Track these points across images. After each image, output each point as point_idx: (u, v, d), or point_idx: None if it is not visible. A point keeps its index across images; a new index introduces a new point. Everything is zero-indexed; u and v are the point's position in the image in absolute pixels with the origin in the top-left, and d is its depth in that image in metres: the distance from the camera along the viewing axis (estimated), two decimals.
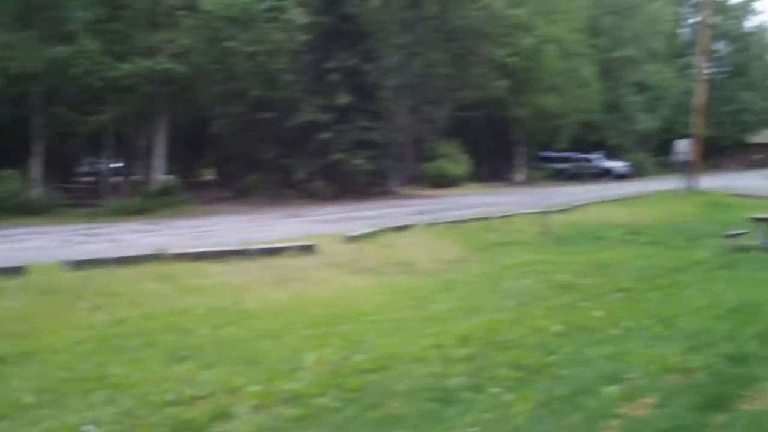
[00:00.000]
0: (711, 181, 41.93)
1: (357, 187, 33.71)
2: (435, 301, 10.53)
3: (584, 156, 55.22)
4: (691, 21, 77.71)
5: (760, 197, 32.24)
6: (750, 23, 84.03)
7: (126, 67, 27.14)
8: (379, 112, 35.11)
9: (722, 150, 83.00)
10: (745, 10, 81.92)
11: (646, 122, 59.84)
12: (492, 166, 50.63)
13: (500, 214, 22.08)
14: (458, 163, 40.67)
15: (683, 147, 36.01)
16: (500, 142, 50.35)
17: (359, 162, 32.53)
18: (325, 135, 32.24)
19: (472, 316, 9.10)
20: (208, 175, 51.27)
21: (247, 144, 34.71)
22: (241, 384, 6.23)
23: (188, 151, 42.94)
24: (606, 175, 54.07)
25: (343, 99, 32.25)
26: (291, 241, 15.70)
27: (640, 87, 60.60)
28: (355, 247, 15.72)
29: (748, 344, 7.10)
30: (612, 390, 5.78)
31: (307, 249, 14.76)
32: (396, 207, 27.82)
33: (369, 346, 7.54)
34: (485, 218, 21.16)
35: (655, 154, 68.41)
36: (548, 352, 7.02)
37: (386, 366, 6.77)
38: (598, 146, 57.47)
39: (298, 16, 30.26)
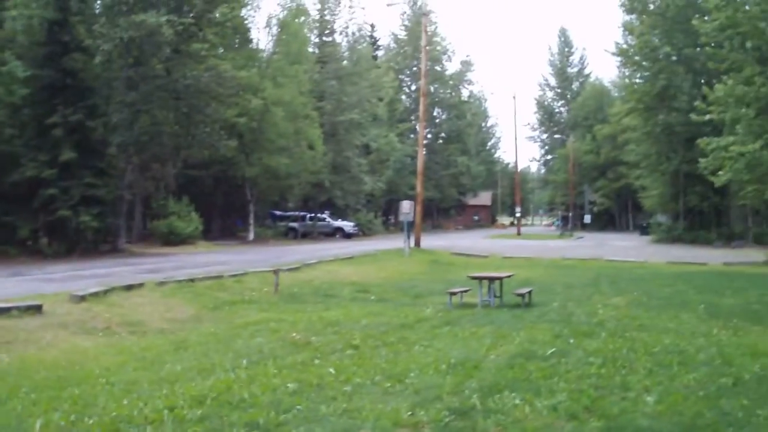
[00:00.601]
0: (435, 241, 48.39)
1: (85, 245, 35.48)
2: (167, 362, 11.09)
3: (314, 215, 61.87)
4: (410, 89, 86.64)
5: (480, 256, 38.89)
6: (465, 92, 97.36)
7: None
8: (105, 169, 37.21)
9: (444, 211, 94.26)
10: (460, 79, 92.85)
11: (371, 183, 67.57)
12: (223, 224, 55.81)
13: (232, 273, 23.52)
14: (189, 221, 44.28)
15: (407, 208, 38.92)
16: (231, 200, 56.10)
17: (86, 219, 33.90)
18: (50, 191, 33.75)
19: (206, 376, 9.78)
20: None
21: None
22: None
23: None
24: (336, 234, 61.37)
25: (68, 155, 33.75)
26: (15, 300, 15.72)
27: (366, 150, 69.36)
28: (84, 307, 15.96)
29: (471, 398, 8.24)
30: None
31: (33, 309, 14.93)
32: (126, 265, 28.52)
33: (100, 410, 8.03)
34: (217, 277, 22.40)
35: (381, 214, 75.62)
36: (283, 411, 7.81)
37: (118, 430, 7.33)
38: (327, 206, 65.07)
39: (17, 69, 31.33)
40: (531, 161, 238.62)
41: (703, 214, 58.51)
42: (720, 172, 38.56)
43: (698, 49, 50.17)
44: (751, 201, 41.84)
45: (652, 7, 58.39)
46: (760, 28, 36.80)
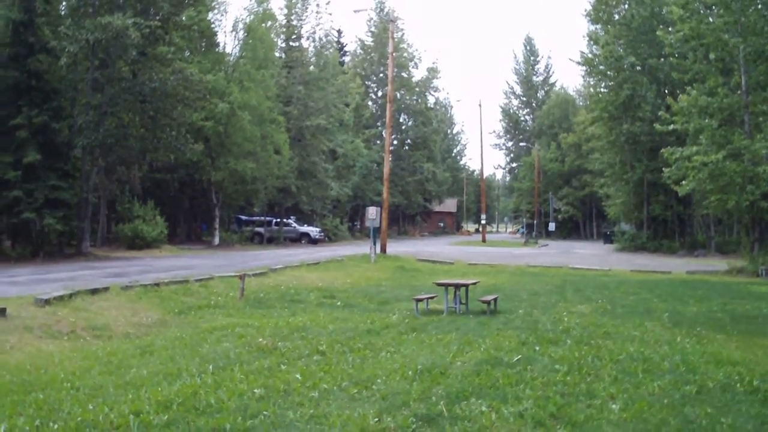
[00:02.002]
0: (400, 247, 48.59)
1: (49, 248, 35.46)
2: (133, 366, 11.11)
3: (280, 220, 61.84)
4: (377, 95, 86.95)
5: (446, 263, 39.10)
6: (431, 99, 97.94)
7: None
8: (70, 171, 37.21)
9: (410, 217, 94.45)
10: (427, 86, 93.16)
11: (338, 189, 68.06)
12: (189, 228, 55.52)
13: (198, 277, 23.47)
14: (154, 224, 43.97)
15: (373, 213, 38.83)
16: (197, 204, 55.89)
17: (51, 222, 33.72)
18: (14, 193, 33.49)
19: (172, 381, 9.73)
20: None
21: None
22: None
23: None
24: (301, 239, 61.31)
25: (32, 156, 33.57)
26: None
27: (332, 155, 69.47)
28: (49, 311, 15.88)
29: (438, 404, 8.29)
30: None
31: None
32: (91, 269, 28.37)
33: (65, 415, 8.00)
34: (183, 281, 22.39)
35: (347, 219, 75.75)
36: (249, 416, 7.81)
37: None
38: (293, 211, 65.20)
39: None
40: (496, 168, 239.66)
41: (666, 223, 59.06)
42: (683, 182, 38.98)
43: (662, 59, 50.86)
44: (714, 210, 42.30)
45: (617, 17, 59.01)
46: (723, 40, 37.28)
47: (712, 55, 39.54)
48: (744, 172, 36.04)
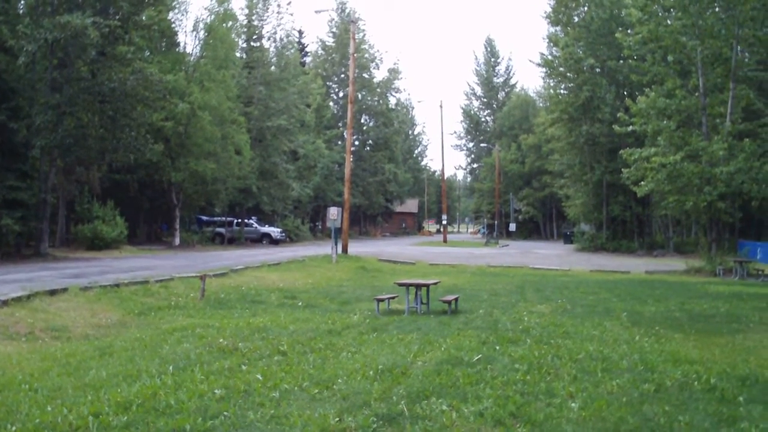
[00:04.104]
0: (362, 248, 48.65)
1: (7, 249, 35.05)
2: (92, 368, 10.96)
3: (241, 221, 61.71)
4: (338, 95, 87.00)
5: (407, 263, 39.34)
6: (392, 100, 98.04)
7: None
8: (28, 172, 36.98)
9: (371, 217, 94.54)
10: (388, 87, 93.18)
11: (299, 189, 67.99)
12: (149, 229, 55.12)
13: (158, 278, 23.30)
14: (114, 225, 43.49)
15: (334, 214, 38.80)
16: (157, 205, 55.48)
17: (8, 222, 33.45)
18: None
19: (132, 382, 9.66)
20: None
21: None
22: None
23: None
24: (262, 239, 61.25)
25: None
26: None
27: (293, 156, 69.30)
28: (6, 312, 15.71)
29: (399, 404, 8.34)
30: None
31: None
32: (49, 270, 27.90)
33: (24, 417, 7.94)
34: (143, 282, 22.22)
35: (309, 220, 75.71)
36: (209, 417, 7.79)
37: None
38: (254, 211, 65.06)
39: None
40: (457, 169, 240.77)
41: (625, 224, 59.60)
42: (642, 183, 39.39)
43: (621, 61, 51.34)
44: (672, 211, 42.78)
45: (576, 19, 59.45)
46: (681, 42, 37.73)
47: (670, 58, 40.00)
48: (702, 174, 36.50)
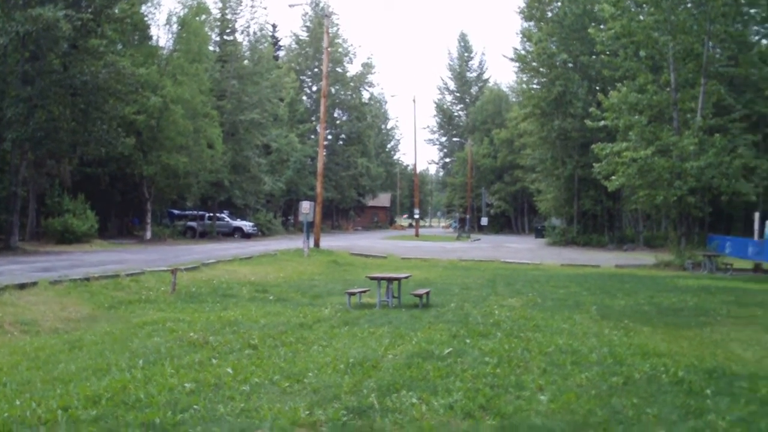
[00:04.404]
0: (334, 242, 48.62)
1: None
2: (62, 361, 10.91)
3: (213, 214, 61.43)
4: (311, 89, 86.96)
5: (379, 257, 39.40)
6: (365, 94, 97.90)
7: None
8: None
9: (343, 211, 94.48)
10: (361, 81, 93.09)
11: (271, 183, 67.82)
12: (120, 222, 54.60)
13: (129, 272, 23.20)
14: (84, 219, 42.69)
15: (307, 208, 38.79)
16: (129, 198, 54.80)
17: None
18: None
19: (101, 376, 9.60)
20: None
21: None
22: None
23: None
24: (234, 233, 60.88)
25: None
26: None
27: (265, 149, 69.03)
28: None
29: (369, 397, 8.36)
30: None
31: None
32: (19, 263, 27.44)
33: None
34: (114, 276, 22.02)
35: (281, 214, 75.59)
36: (179, 411, 7.75)
37: (11, 431, 7.22)
38: (226, 205, 64.72)
39: None
40: (430, 163, 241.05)
41: (596, 218, 60.02)
42: (613, 177, 39.67)
43: (594, 56, 51.57)
44: (642, 205, 43.07)
45: (550, 14, 59.69)
46: (653, 38, 38.02)
47: (642, 53, 40.32)
48: (672, 168, 36.83)
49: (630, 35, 39.70)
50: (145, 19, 52.90)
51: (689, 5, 38.82)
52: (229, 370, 9.87)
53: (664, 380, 9.73)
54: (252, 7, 66.10)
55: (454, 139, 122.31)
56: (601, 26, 44.08)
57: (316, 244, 41.34)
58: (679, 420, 7.84)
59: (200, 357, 10.89)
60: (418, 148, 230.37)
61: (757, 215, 37.82)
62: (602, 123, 41.57)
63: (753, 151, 40.15)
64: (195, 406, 7.93)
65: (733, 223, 53.00)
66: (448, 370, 9.97)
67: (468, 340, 12.46)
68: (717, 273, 32.29)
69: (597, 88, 54.45)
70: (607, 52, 45.97)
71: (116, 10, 38.95)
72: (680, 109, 39.37)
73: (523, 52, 62.97)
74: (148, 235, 51.19)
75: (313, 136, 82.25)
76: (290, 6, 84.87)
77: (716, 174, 36.48)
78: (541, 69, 59.85)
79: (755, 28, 40.95)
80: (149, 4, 52.88)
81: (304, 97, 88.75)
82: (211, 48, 61.09)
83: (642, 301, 20.12)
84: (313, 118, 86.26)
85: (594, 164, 43.67)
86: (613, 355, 11.25)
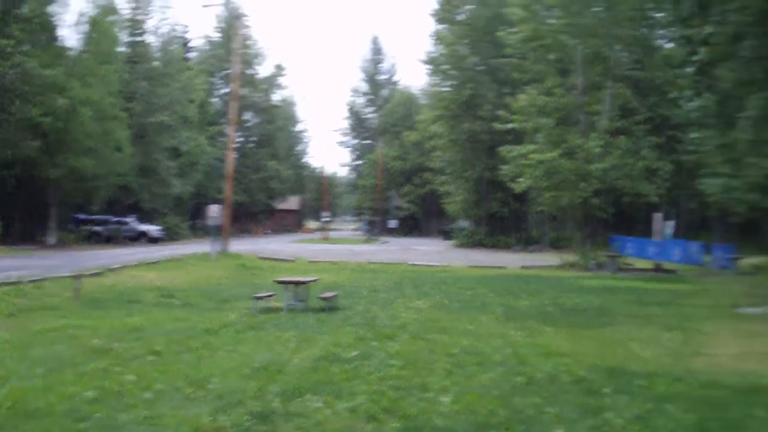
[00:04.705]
0: (242, 245, 48.12)
1: None
2: None
3: (120, 219, 59.86)
4: (222, 91, 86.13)
5: (287, 260, 38.98)
6: (276, 96, 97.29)
7: None
8: None
9: (253, 215, 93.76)
10: (272, 83, 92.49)
11: (180, 187, 66.73)
12: (24, 227, 52.76)
13: (31, 278, 22.60)
14: None
15: (215, 211, 38.65)
16: (34, 202, 52.89)
17: None
18: None
19: (0, 384, 9.38)
20: None
21: None
22: None
23: None
24: (141, 238, 59.45)
25: None
26: None
27: (174, 152, 67.72)
28: None
29: (273, 402, 8.48)
30: None
31: None
32: None
33: None
34: (15, 283, 21.53)
35: (189, 218, 74.58)
36: (79, 419, 7.67)
37: None
38: (133, 209, 62.92)
39: None
40: (342, 166, 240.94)
41: (503, 220, 60.67)
42: (520, 179, 40.21)
43: (504, 59, 52.17)
44: (548, 207, 43.75)
45: (461, 17, 60.13)
46: (561, 41, 38.66)
47: (551, 56, 41.01)
48: (577, 170, 37.50)
49: (539, 38, 40.32)
50: (54, 18, 51.80)
51: (597, 9, 39.55)
52: (132, 377, 9.77)
53: (566, 380, 9.99)
54: (163, 7, 64.89)
55: (365, 141, 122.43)
56: (512, 29, 44.55)
57: (225, 248, 40.64)
58: (579, 418, 8.06)
59: (103, 364, 10.71)
60: (330, 151, 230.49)
61: (657, 216, 38.74)
62: (511, 126, 42.11)
63: (656, 153, 41.12)
64: (96, 415, 7.87)
65: (634, 224, 54.16)
66: (354, 373, 10.05)
67: (374, 343, 12.57)
68: (619, 273, 33.00)
69: (506, 91, 55.13)
70: (517, 55, 46.52)
71: (25, 10, 38.12)
72: (587, 112, 40.15)
73: (435, 55, 63.40)
74: (53, 240, 49.96)
75: (223, 139, 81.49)
76: (205, 6, 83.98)
77: (620, 175, 37.30)
78: (451, 71, 60.31)
79: (660, 32, 41.97)
80: (58, 3, 51.80)
81: (215, 99, 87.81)
82: (120, 49, 59.98)
83: (546, 301, 20.44)
84: (223, 120, 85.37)
85: (502, 166, 44.19)
86: (516, 356, 11.50)
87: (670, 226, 38.65)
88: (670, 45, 38.16)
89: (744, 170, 26.33)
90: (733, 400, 9.22)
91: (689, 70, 25.50)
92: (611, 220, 45.30)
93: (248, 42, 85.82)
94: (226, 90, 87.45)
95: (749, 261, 33.93)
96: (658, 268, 34.49)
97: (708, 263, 34.07)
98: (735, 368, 11.45)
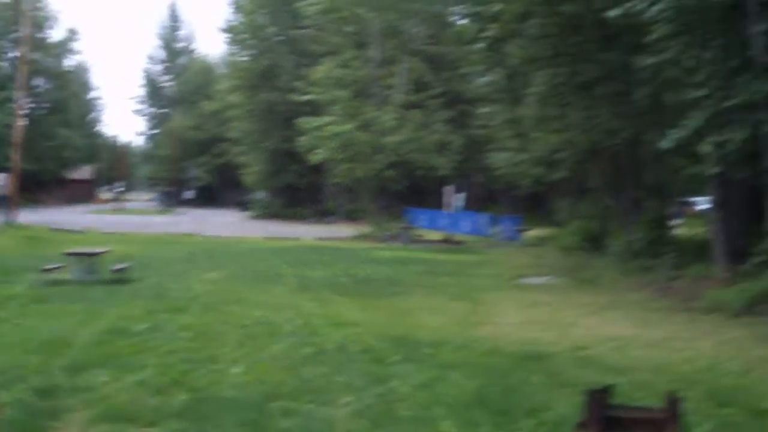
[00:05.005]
0: (31, 216, 46.15)
1: None
2: None
3: None
4: (10, 55, 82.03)
5: (79, 232, 37.64)
6: (69, 61, 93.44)
7: None
8: None
9: (43, 184, 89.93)
10: (64, 48, 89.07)
11: None
12: None
13: None
14: None
15: (1, 180, 37.59)
16: None
17: None
18: None
19: None
20: None
21: None
22: None
23: None
24: None
25: None
26: None
27: None
28: None
29: (58, 376, 8.20)
30: None
31: None
32: None
33: None
34: None
35: None
36: None
37: None
38: None
39: None
40: (137, 135, 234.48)
41: (300, 191, 61.00)
42: (317, 151, 40.50)
43: (302, 30, 52.18)
44: (344, 179, 44.33)
45: None
46: (358, 14, 39.11)
47: (348, 29, 41.42)
48: (372, 143, 38.20)
49: (336, 10, 40.63)
50: None
51: None
52: None
53: (355, 349, 10.19)
54: None
55: (162, 110, 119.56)
56: (310, 0, 44.63)
57: (12, 219, 38.60)
58: (366, 387, 8.23)
59: None
60: (126, 119, 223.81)
61: (448, 189, 40.02)
62: (308, 97, 42.32)
63: (448, 127, 42.37)
64: None
65: (426, 197, 55.74)
66: (142, 346, 9.91)
67: (165, 315, 12.41)
68: (411, 245, 33.94)
69: (305, 62, 55.28)
70: (315, 27, 46.70)
71: None
72: (382, 85, 40.89)
73: (234, 23, 62.72)
74: None
75: (11, 105, 77.61)
76: None
77: (414, 149, 38.29)
78: (250, 41, 59.88)
79: (453, 8, 43.17)
80: None
81: (3, 63, 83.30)
82: None
83: (339, 272, 20.74)
84: (12, 86, 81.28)
85: (299, 138, 44.39)
86: (308, 326, 11.68)
87: (460, 199, 40.08)
88: (463, 21, 39.37)
89: (529, 145, 27.74)
90: (513, 366, 9.64)
91: (480, 46, 26.40)
92: (405, 192, 46.48)
93: (39, 4, 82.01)
94: (16, 54, 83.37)
95: (534, 233, 35.74)
96: (448, 240, 35.75)
97: (495, 235, 35.55)
98: (517, 336, 11.97)
